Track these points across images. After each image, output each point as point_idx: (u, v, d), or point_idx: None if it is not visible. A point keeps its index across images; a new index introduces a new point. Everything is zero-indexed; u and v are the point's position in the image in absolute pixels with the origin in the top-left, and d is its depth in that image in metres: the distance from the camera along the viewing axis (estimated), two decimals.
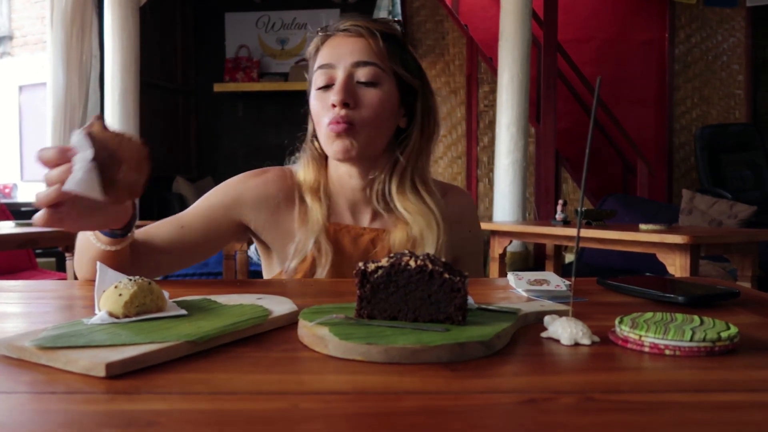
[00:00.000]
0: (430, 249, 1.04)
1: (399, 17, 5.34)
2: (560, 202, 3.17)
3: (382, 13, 5.29)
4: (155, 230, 1.01)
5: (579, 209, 0.65)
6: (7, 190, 5.20)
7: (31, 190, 5.19)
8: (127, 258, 0.91)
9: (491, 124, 5.29)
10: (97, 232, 0.85)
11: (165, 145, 5.53)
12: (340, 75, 1.00)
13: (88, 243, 0.88)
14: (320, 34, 1.08)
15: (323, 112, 1.01)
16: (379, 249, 1.06)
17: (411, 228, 1.06)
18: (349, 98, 0.99)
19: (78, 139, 0.60)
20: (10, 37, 5.55)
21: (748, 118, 5.67)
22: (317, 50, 1.06)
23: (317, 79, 1.03)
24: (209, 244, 1.05)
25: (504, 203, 4.03)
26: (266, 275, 1.14)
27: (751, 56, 5.67)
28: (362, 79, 1.01)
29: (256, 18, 5.76)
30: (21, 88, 5.42)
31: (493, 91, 5.06)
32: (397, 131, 1.08)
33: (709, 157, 5.15)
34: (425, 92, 1.09)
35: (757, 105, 5.70)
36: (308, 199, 1.06)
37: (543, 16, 4.89)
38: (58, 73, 4.60)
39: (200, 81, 5.88)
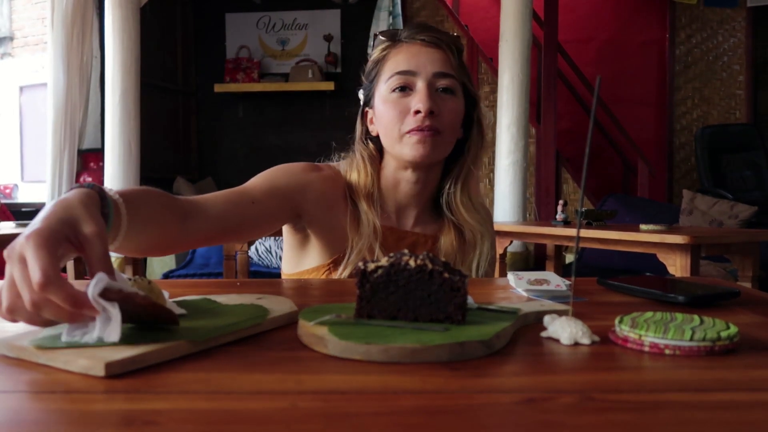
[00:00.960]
0: (483, 257, 1.12)
1: (399, 17, 5.35)
2: (561, 202, 3.17)
3: (382, 14, 5.29)
4: (223, 200, 0.94)
5: (579, 209, 0.65)
6: (7, 191, 5.20)
7: (31, 190, 5.19)
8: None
9: (492, 125, 5.29)
10: None
11: (165, 145, 5.53)
12: (422, 83, 1.04)
13: None
14: (386, 39, 1.11)
15: (401, 115, 1.04)
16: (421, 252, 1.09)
17: (465, 234, 1.12)
18: (435, 106, 1.02)
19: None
20: (11, 38, 5.56)
21: (748, 118, 5.67)
22: (386, 56, 1.09)
23: (394, 83, 1.05)
24: (267, 224, 1.04)
25: (504, 203, 4.03)
26: (292, 268, 1.14)
27: (751, 56, 5.66)
28: (442, 89, 1.05)
29: (257, 19, 5.76)
30: (21, 88, 5.42)
31: (494, 91, 5.06)
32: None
33: (709, 157, 5.15)
34: (479, 105, 1.15)
35: (758, 105, 5.70)
36: (362, 203, 1.09)
37: (543, 16, 4.89)
38: (59, 73, 4.60)
39: (201, 81, 5.88)
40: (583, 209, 2.96)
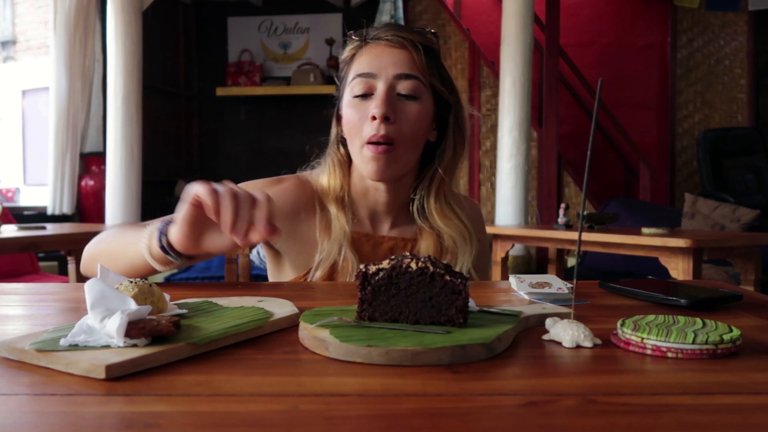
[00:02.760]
0: (466, 261, 1.06)
1: (401, 22, 5.36)
2: (562, 205, 3.17)
3: (384, 18, 5.30)
4: None
5: (581, 213, 0.65)
6: (10, 194, 5.20)
7: (33, 194, 5.20)
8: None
9: (493, 128, 5.29)
10: (155, 248, 0.82)
11: (167, 149, 5.54)
12: (381, 86, 0.99)
13: (134, 252, 0.85)
14: (356, 39, 1.06)
15: (360, 122, 1.00)
16: None
17: (444, 239, 1.07)
18: (391, 112, 0.98)
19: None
20: (14, 42, 5.58)
21: (750, 122, 5.67)
22: (353, 56, 1.05)
23: (355, 86, 1.01)
24: None
25: (506, 207, 4.03)
26: (274, 279, 1.13)
27: (753, 60, 5.67)
28: (403, 92, 1.00)
29: (259, 22, 5.78)
30: (24, 92, 5.44)
31: (495, 95, 5.06)
32: (426, 145, 1.07)
33: (711, 160, 5.15)
34: (458, 107, 1.08)
35: (760, 109, 5.70)
36: (332, 208, 1.06)
37: (545, 20, 4.90)
38: (61, 77, 4.61)
39: (202, 85, 5.90)
40: (585, 213, 2.95)
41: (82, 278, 2.64)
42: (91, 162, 4.94)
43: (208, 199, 0.73)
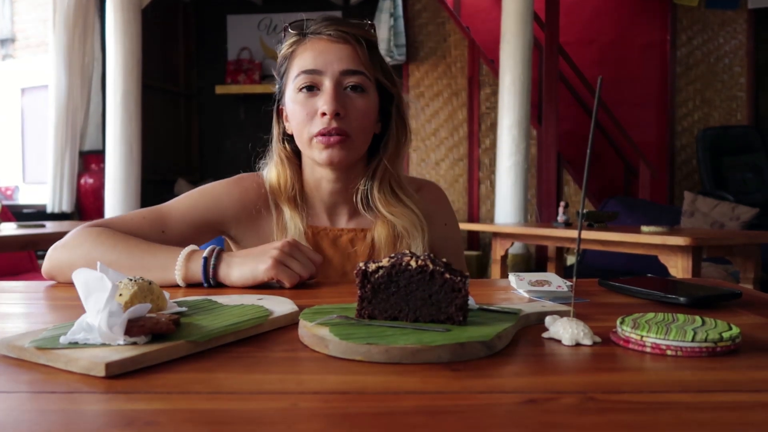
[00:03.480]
0: (417, 245, 1.06)
1: (401, 19, 5.35)
2: (562, 204, 3.17)
3: (383, 16, 5.29)
4: (136, 229, 0.99)
5: (580, 211, 0.65)
6: (9, 192, 5.20)
7: (32, 192, 5.20)
8: None
9: (493, 127, 5.29)
10: (195, 276, 0.88)
11: (167, 147, 5.54)
12: (328, 83, 0.99)
13: (163, 265, 0.89)
14: (294, 33, 1.06)
15: (308, 117, 1.00)
16: (360, 248, 1.08)
17: (395, 226, 1.07)
18: (341, 108, 0.98)
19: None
20: (13, 40, 5.57)
21: (749, 120, 5.67)
22: (294, 50, 1.05)
23: (300, 83, 1.01)
24: (182, 246, 1.01)
25: (506, 205, 4.03)
26: None
27: (753, 58, 5.66)
28: (350, 87, 1.01)
29: (258, 20, 5.77)
30: (23, 90, 5.43)
31: (495, 93, 5.06)
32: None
33: (711, 159, 5.15)
34: (399, 98, 1.09)
35: (759, 107, 5.70)
36: (285, 207, 1.06)
37: (545, 18, 4.89)
38: (60, 75, 4.61)
39: (202, 83, 5.89)
40: (585, 211, 2.96)
41: None
42: (91, 160, 4.93)
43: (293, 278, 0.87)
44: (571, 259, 4.22)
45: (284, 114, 1.09)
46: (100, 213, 4.56)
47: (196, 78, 5.93)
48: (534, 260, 4.57)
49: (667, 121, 5.85)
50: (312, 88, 1.01)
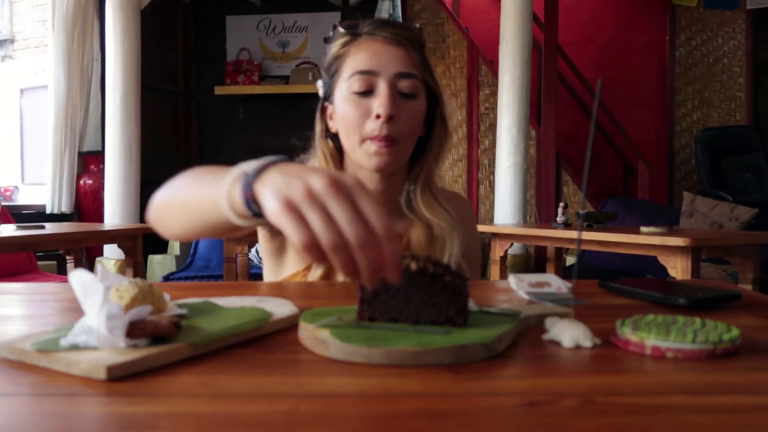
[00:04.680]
0: (456, 251, 1.06)
1: (400, 20, 5.35)
2: (561, 204, 3.18)
3: (382, 16, 5.29)
4: None
5: (580, 212, 0.65)
6: (8, 193, 5.20)
7: (32, 193, 5.19)
8: (230, 233, 0.74)
9: (492, 127, 5.29)
10: (237, 198, 0.60)
11: (166, 148, 5.54)
12: (383, 85, 0.99)
13: (210, 200, 0.64)
14: (346, 33, 1.06)
15: (361, 118, 1.00)
16: None
17: (432, 228, 1.08)
18: (395, 111, 0.99)
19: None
20: (12, 40, 5.56)
21: (748, 120, 5.67)
22: (346, 50, 1.05)
23: (354, 83, 1.01)
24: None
25: (505, 206, 4.03)
26: (272, 276, 1.12)
27: (751, 59, 5.67)
28: (404, 91, 1.01)
29: (257, 21, 5.76)
30: (22, 91, 5.42)
31: (494, 93, 5.06)
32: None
33: (709, 159, 5.15)
34: (443, 101, 1.10)
35: (758, 107, 5.70)
36: None
37: (544, 18, 4.89)
38: (60, 76, 4.60)
39: (201, 84, 5.89)
40: (584, 211, 2.96)
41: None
42: (90, 161, 4.93)
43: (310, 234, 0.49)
44: (570, 260, 4.22)
45: (328, 112, 1.09)
46: (99, 214, 4.56)
47: (196, 78, 5.93)
48: (533, 261, 4.57)
49: (666, 121, 5.86)
50: (367, 92, 1.01)
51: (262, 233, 1.10)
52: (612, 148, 5.64)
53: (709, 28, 5.76)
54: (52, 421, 0.39)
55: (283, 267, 1.09)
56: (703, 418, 0.40)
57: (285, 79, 5.63)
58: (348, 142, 1.04)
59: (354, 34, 1.05)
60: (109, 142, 4.23)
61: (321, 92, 1.11)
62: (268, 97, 5.69)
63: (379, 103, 0.98)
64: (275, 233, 1.07)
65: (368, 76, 1.00)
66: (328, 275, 1.02)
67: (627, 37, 5.99)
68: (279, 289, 0.90)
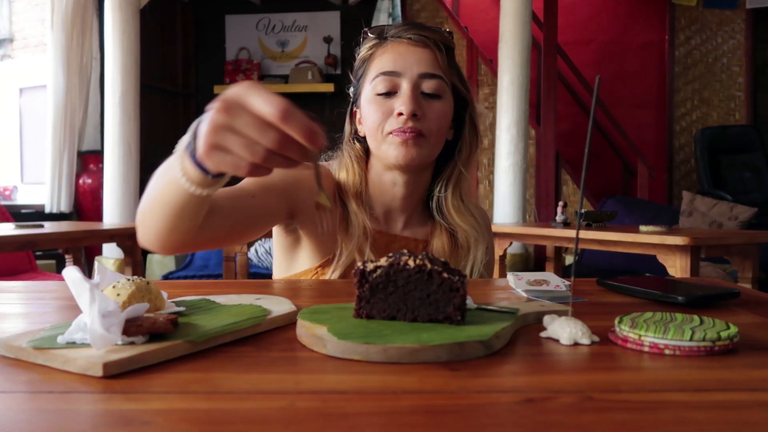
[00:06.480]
0: (478, 262, 1.08)
1: (399, 19, 5.35)
2: (560, 203, 3.18)
3: (382, 15, 5.29)
4: (225, 199, 0.88)
5: (579, 211, 0.65)
6: (7, 192, 5.19)
7: (31, 192, 5.19)
8: (201, 215, 0.77)
9: (491, 126, 5.29)
10: (190, 168, 0.64)
11: (165, 147, 5.52)
12: (406, 85, 1.00)
13: (171, 182, 0.68)
14: (374, 37, 1.07)
15: (383, 118, 1.01)
16: None
17: (458, 235, 1.08)
18: (418, 109, 0.99)
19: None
20: (11, 40, 5.56)
21: (748, 119, 5.67)
22: (372, 54, 1.06)
23: (378, 84, 1.02)
24: (266, 221, 0.98)
25: (504, 205, 4.03)
26: (283, 272, 1.11)
27: (751, 58, 5.67)
28: (428, 91, 1.01)
29: (257, 20, 5.77)
30: (21, 90, 5.42)
31: (493, 93, 5.06)
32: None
33: (709, 158, 5.16)
34: (473, 104, 1.10)
35: (757, 107, 5.70)
36: (352, 204, 1.06)
37: (543, 18, 4.90)
38: (59, 75, 4.60)
39: (201, 83, 5.89)
40: (583, 210, 2.96)
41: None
42: (89, 160, 4.93)
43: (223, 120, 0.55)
44: (569, 259, 4.23)
45: (357, 116, 1.10)
46: (98, 213, 4.56)
47: (195, 78, 5.93)
48: (532, 260, 4.58)
49: (666, 121, 5.86)
50: (390, 93, 1.01)
51: (277, 229, 1.10)
52: (611, 148, 5.65)
53: (709, 27, 5.77)
54: (49, 417, 0.39)
55: (295, 262, 1.09)
56: (700, 414, 0.40)
57: (284, 79, 5.63)
58: (373, 140, 1.04)
59: (381, 38, 1.06)
60: (108, 141, 4.23)
61: (351, 97, 1.13)
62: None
63: (401, 102, 0.99)
64: (290, 230, 1.07)
65: (392, 77, 1.01)
66: (347, 275, 1.02)
67: (626, 36, 6.00)
68: (277, 288, 0.90)
